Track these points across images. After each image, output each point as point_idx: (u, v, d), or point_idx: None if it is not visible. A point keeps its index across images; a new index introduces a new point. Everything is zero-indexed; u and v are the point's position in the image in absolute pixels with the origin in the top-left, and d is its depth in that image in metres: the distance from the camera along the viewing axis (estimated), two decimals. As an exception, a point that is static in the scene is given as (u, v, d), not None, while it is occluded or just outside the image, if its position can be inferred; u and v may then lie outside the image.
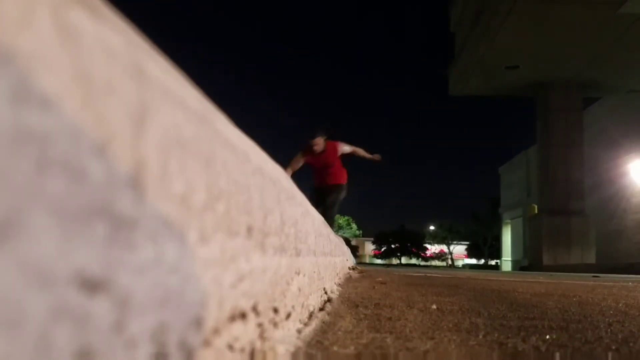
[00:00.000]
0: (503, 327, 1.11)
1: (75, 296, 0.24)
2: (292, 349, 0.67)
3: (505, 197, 30.56)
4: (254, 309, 0.54)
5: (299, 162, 5.98)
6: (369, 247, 61.23)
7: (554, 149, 14.60)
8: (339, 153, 6.05)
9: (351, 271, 4.03)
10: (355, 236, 60.31)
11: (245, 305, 0.50)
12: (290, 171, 5.79)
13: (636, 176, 16.75)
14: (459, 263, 53.43)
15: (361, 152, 6.31)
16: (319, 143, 5.85)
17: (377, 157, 6.40)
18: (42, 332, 0.22)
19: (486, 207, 44.62)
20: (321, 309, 1.20)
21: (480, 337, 0.95)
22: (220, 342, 0.42)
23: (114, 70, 0.28)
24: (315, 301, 1.15)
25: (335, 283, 2.02)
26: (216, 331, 0.41)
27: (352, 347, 0.79)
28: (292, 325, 0.80)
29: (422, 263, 51.91)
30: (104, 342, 0.26)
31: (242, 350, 0.49)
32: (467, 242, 52.26)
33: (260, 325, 0.57)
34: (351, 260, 5.81)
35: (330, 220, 5.72)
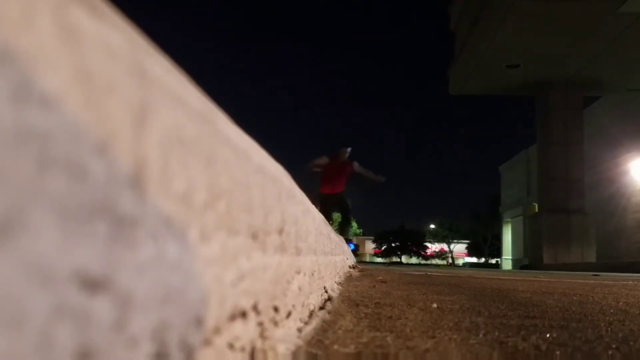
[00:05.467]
0: (503, 326, 1.11)
1: (76, 295, 0.24)
2: (292, 348, 0.67)
3: (505, 196, 30.57)
4: (255, 308, 0.54)
5: (321, 162, 7.35)
6: (369, 246, 61.16)
7: (554, 148, 14.59)
8: (353, 169, 7.37)
9: (351, 270, 4.03)
10: (356, 235, 60.26)
11: (246, 304, 0.51)
12: (312, 166, 7.29)
13: (636, 175, 16.74)
14: (460, 262, 53.39)
15: (369, 173, 7.59)
16: (344, 155, 7.25)
17: (379, 178, 7.62)
18: (44, 330, 0.22)
19: (486, 206, 44.62)
20: (321, 308, 1.20)
21: (481, 336, 0.95)
22: (220, 341, 0.42)
23: (115, 69, 0.28)
24: (315, 300, 1.15)
25: (335, 282, 2.03)
26: (217, 330, 0.41)
27: (352, 346, 0.79)
28: (293, 324, 0.80)
29: (423, 262, 51.90)
30: (105, 340, 0.26)
31: (243, 349, 0.49)
32: (468, 241, 52.26)
33: (260, 324, 0.57)
34: (351, 259, 5.82)
35: (348, 223, 7.73)
